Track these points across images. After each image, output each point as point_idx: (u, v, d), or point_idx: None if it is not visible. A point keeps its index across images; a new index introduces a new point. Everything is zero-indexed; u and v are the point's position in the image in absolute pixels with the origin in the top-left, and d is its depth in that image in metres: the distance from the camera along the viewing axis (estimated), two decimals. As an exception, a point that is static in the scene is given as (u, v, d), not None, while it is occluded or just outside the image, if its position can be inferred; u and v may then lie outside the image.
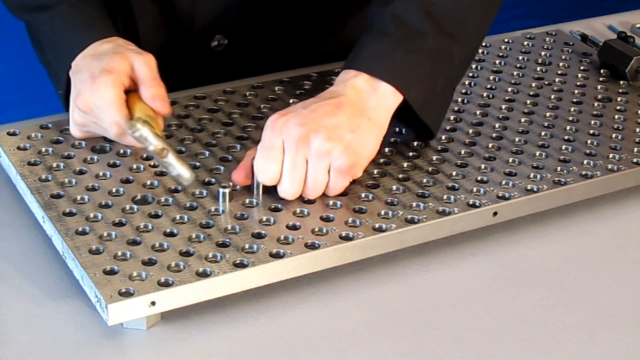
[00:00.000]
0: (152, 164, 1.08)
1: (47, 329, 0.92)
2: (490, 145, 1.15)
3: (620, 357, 0.93)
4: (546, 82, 1.30)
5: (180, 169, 0.99)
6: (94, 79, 1.06)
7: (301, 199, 1.03)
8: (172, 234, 0.97)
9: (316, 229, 0.99)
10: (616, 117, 1.22)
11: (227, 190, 1.02)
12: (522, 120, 1.20)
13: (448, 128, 1.18)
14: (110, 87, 1.05)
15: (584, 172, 1.10)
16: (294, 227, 0.99)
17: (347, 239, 0.98)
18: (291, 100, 1.22)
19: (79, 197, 1.02)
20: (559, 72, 1.33)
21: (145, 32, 1.26)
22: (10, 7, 1.22)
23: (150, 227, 0.98)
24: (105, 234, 0.97)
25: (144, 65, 1.08)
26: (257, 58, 1.32)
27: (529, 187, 1.07)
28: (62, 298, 0.95)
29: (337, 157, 1.01)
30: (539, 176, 1.09)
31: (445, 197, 1.05)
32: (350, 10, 1.38)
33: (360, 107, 1.04)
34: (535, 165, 1.11)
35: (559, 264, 1.04)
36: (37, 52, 1.34)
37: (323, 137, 1.00)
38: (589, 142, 1.16)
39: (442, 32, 1.07)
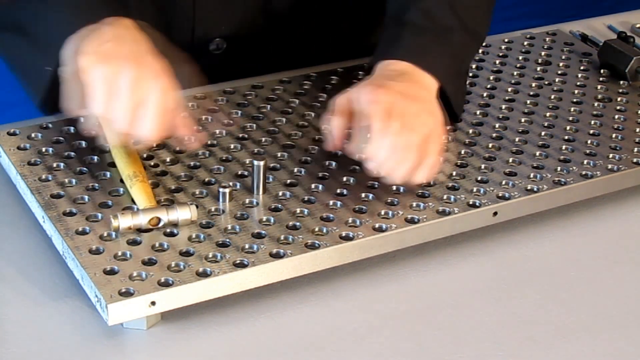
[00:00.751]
0: (152, 164, 1.08)
1: (47, 329, 0.92)
2: (490, 145, 1.15)
3: (620, 357, 0.93)
4: (546, 82, 1.30)
5: (178, 214, 0.98)
6: (139, 59, 0.98)
7: (301, 199, 1.03)
8: (172, 234, 0.97)
9: (316, 229, 0.99)
10: (616, 117, 1.22)
11: (227, 190, 1.02)
12: (522, 120, 1.20)
13: (448, 128, 1.18)
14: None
15: (584, 172, 1.10)
16: (294, 227, 0.99)
17: (347, 239, 0.98)
18: (291, 100, 1.22)
19: (79, 197, 1.02)
20: (559, 72, 1.33)
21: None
22: None
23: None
24: (105, 234, 0.97)
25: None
26: (256, 60, 1.32)
27: (529, 187, 1.07)
28: (62, 298, 0.95)
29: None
30: (539, 176, 1.09)
31: (445, 197, 1.05)
32: (349, 12, 1.38)
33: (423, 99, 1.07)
34: (535, 165, 1.11)
35: (559, 264, 1.04)
36: (7, 60, 1.28)
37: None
38: (589, 142, 1.16)
39: (465, 28, 1.13)
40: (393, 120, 1.01)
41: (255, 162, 1.03)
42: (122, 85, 0.97)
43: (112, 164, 1.07)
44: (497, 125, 1.19)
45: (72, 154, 1.10)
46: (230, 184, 1.05)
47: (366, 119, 1.01)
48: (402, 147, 1.01)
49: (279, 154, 1.11)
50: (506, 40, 1.41)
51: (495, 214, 1.04)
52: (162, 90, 0.98)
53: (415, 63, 1.08)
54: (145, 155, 1.09)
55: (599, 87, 1.30)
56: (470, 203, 1.04)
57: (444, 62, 1.11)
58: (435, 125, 1.04)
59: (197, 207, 0.99)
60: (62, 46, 1.02)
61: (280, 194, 1.04)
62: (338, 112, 1.05)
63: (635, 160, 1.13)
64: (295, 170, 1.08)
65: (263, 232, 0.98)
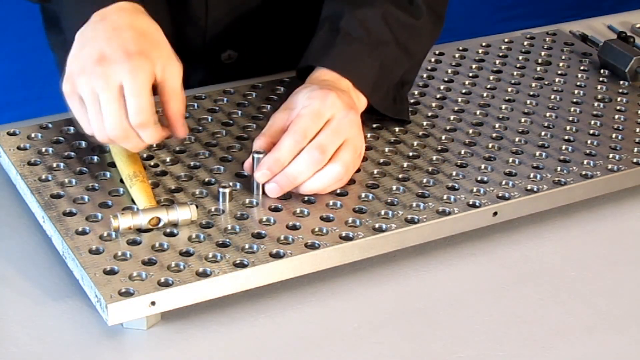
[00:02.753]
0: (152, 164, 1.08)
1: (47, 329, 0.92)
2: (490, 145, 1.15)
3: (620, 357, 0.93)
4: (546, 82, 1.30)
5: (178, 214, 0.98)
6: (131, 55, 0.97)
7: (301, 199, 1.03)
8: (172, 234, 0.97)
9: (316, 229, 0.99)
10: (616, 117, 1.22)
11: (227, 190, 1.02)
12: (522, 120, 1.20)
13: (448, 128, 1.18)
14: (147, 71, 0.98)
15: (584, 172, 1.10)
16: (294, 227, 0.99)
17: (347, 239, 0.98)
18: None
19: (79, 197, 1.02)
20: (559, 72, 1.33)
21: None
22: None
23: (150, 227, 0.98)
24: (105, 234, 0.97)
25: (178, 77, 1.01)
26: (267, 70, 1.32)
27: (529, 187, 1.07)
28: (62, 298, 0.95)
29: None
30: (539, 176, 1.09)
31: (445, 197, 1.05)
32: None
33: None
34: (535, 165, 1.11)
35: (559, 264, 1.04)
36: (50, 33, 1.27)
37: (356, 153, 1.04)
38: (589, 142, 1.16)
39: (397, 43, 1.14)
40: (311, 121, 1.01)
41: (256, 156, 1.02)
42: (96, 102, 0.97)
43: (112, 164, 1.07)
44: (497, 125, 1.19)
45: (72, 154, 1.10)
46: (230, 184, 1.05)
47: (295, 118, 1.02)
48: (312, 147, 1.00)
49: (279, 154, 1.11)
50: (506, 40, 1.41)
51: (495, 214, 1.04)
52: (133, 75, 0.96)
53: (345, 74, 1.09)
54: (145, 155, 1.09)
55: (599, 87, 1.30)
56: (470, 203, 1.04)
57: (372, 74, 1.12)
58: (353, 136, 1.03)
59: (197, 207, 0.99)
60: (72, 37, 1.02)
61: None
62: (268, 132, 1.04)
63: (635, 160, 1.13)
64: (295, 170, 1.08)
65: (263, 232, 0.98)
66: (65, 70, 1.00)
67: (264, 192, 1.03)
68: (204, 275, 0.92)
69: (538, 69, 1.34)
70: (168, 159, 1.09)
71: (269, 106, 1.21)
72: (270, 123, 1.05)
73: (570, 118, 1.21)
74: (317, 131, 1.01)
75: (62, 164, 1.08)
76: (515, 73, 1.32)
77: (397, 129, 1.16)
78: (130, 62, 0.96)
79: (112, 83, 0.96)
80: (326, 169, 1.01)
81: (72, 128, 1.14)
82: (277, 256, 0.95)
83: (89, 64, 0.97)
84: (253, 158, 1.02)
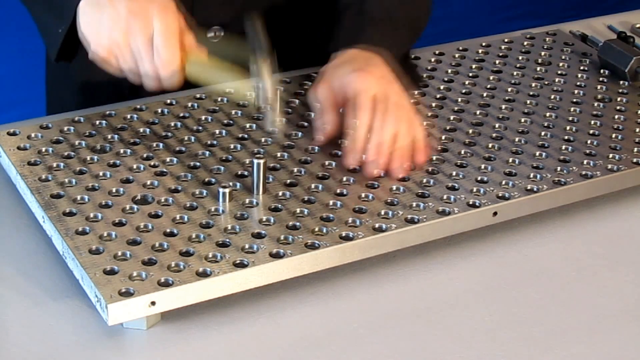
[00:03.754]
0: (152, 164, 1.08)
1: (47, 329, 0.92)
2: (490, 145, 1.15)
3: (620, 357, 0.93)
4: (546, 82, 1.30)
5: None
6: (160, 5, 1.05)
7: (301, 199, 1.03)
8: (172, 234, 0.98)
9: (316, 229, 0.99)
10: (616, 117, 1.22)
11: (227, 190, 1.02)
12: (522, 120, 1.20)
13: (448, 128, 1.18)
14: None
15: (584, 172, 1.10)
16: (294, 227, 0.99)
17: (347, 239, 0.98)
18: (291, 100, 1.22)
19: (79, 197, 1.02)
20: (559, 72, 1.33)
21: None
22: None
23: (150, 227, 0.98)
24: (105, 234, 0.97)
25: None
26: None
27: (529, 187, 1.07)
28: (62, 298, 0.95)
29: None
30: (539, 176, 1.09)
31: (445, 197, 1.05)
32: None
33: None
34: (535, 165, 1.11)
35: (559, 264, 1.04)
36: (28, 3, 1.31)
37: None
38: (589, 142, 1.16)
39: (411, 22, 1.26)
40: (380, 105, 1.09)
41: (255, 161, 1.03)
42: (127, 46, 1.05)
43: (113, 164, 1.07)
44: (497, 125, 1.19)
45: (72, 154, 1.10)
46: (230, 184, 1.05)
47: (358, 108, 1.08)
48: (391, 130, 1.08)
49: (279, 154, 1.11)
50: (506, 40, 1.41)
51: (495, 214, 1.04)
52: (163, 17, 1.04)
53: (379, 51, 1.17)
54: (145, 155, 1.09)
55: (599, 87, 1.30)
56: (470, 203, 1.04)
57: (396, 51, 1.21)
58: (408, 102, 1.13)
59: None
60: (72, 7, 1.08)
61: (280, 194, 1.04)
62: (326, 106, 1.11)
63: (635, 160, 1.13)
64: (295, 170, 1.08)
65: (263, 232, 0.98)
66: (91, 34, 1.06)
67: (264, 192, 1.04)
68: (204, 275, 0.92)
69: (538, 69, 1.34)
70: (168, 159, 1.09)
71: (269, 106, 1.20)
72: (321, 99, 1.12)
73: (570, 118, 1.21)
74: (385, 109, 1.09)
75: (62, 164, 1.08)
76: (515, 73, 1.32)
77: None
78: (163, 12, 1.05)
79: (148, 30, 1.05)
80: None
81: (72, 128, 1.14)
82: (277, 256, 0.95)
83: (131, 20, 1.04)
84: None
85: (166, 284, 0.91)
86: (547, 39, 1.43)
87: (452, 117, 1.20)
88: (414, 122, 1.11)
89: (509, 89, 1.28)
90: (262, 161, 1.03)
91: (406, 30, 1.25)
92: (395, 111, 1.09)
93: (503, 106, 1.23)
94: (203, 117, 1.18)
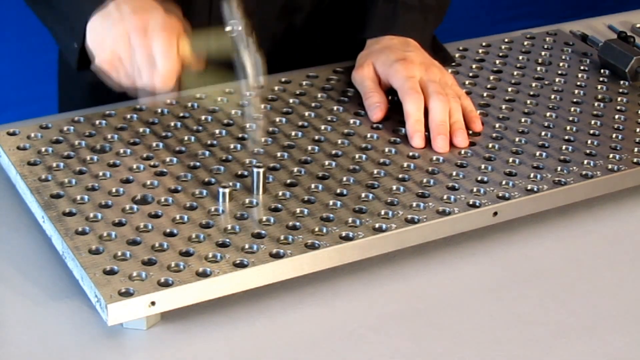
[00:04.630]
0: (152, 164, 1.08)
1: (47, 329, 0.92)
2: (490, 145, 1.15)
3: (620, 357, 0.93)
4: (546, 82, 1.30)
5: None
6: (161, 24, 1.08)
7: (301, 199, 1.03)
8: (172, 234, 0.98)
9: (316, 229, 0.99)
10: (616, 117, 1.22)
11: (227, 190, 1.02)
12: (522, 120, 1.20)
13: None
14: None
15: (584, 172, 1.10)
16: (294, 227, 0.99)
17: (347, 239, 0.98)
18: (291, 100, 1.22)
19: (79, 197, 1.02)
20: (559, 72, 1.33)
21: None
22: None
23: (150, 227, 0.98)
24: (105, 234, 0.97)
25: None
26: (270, 46, 1.34)
27: (529, 187, 1.07)
28: (62, 298, 0.95)
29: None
30: (539, 176, 1.09)
31: (445, 197, 1.05)
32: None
33: None
34: (535, 165, 1.11)
35: (559, 264, 1.04)
36: (37, 9, 1.33)
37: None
38: (589, 142, 1.16)
39: (440, 6, 1.34)
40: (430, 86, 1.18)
41: (255, 170, 1.03)
42: (130, 65, 1.09)
43: (113, 165, 1.07)
44: (497, 125, 1.19)
45: (72, 154, 1.10)
46: (230, 184, 1.05)
47: (410, 94, 1.16)
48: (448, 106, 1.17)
49: (279, 154, 1.11)
50: (506, 40, 1.41)
51: (495, 214, 1.04)
52: (163, 33, 1.08)
53: (413, 37, 1.26)
54: (145, 155, 1.09)
55: (599, 87, 1.30)
56: (470, 203, 1.04)
57: (428, 35, 1.31)
58: (450, 78, 1.22)
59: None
60: (83, 25, 1.11)
61: (280, 194, 1.04)
62: (374, 88, 1.21)
63: (635, 160, 1.13)
64: (295, 170, 1.08)
65: (263, 232, 0.98)
66: (96, 49, 1.10)
67: (264, 192, 1.04)
68: (204, 275, 0.92)
69: (538, 69, 1.33)
70: (168, 159, 1.09)
71: (268, 106, 1.21)
72: (367, 83, 1.22)
73: (570, 118, 1.21)
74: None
75: (62, 164, 1.08)
76: (515, 73, 1.32)
77: (397, 128, 1.16)
78: (163, 30, 1.09)
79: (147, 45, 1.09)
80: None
81: (72, 128, 1.14)
82: (277, 256, 0.95)
83: (133, 37, 1.08)
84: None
85: (166, 284, 0.91)
86: (547, 39, 1.43)
87: (452, 117, 1.20)
88: (461, 95, 1.19)
89: (509, 89, 1.28)
90: (261, 170, 1.03)
91: (435, 13, 1.33)
92: (442, 89, 1.17)
93: (503, 106, 1.23)
94: (203, 117, 1.18)
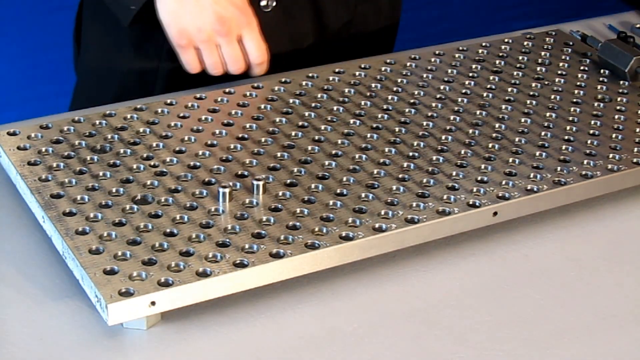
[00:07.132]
0: (152, 164, 1.08)
1: (47, 329, 0.92)
2: (490, 145, 1.15)
3: (620, 357, 0.93)
4: (546, 82, 1.30)
5: None
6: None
7: (301, 199, 1.03)
8: (172, 234, 0.98)
9: (316, 229, 0.99)
10: (616, 117, 1.22)
11: (227, 190, 1.02)
12: (522, 120, 1.20)
13: (448, 128, 1.18)
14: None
15: (584, 172, 1.10)
16: (294, 227, 0.99)
17: (347, 239, 0.98)
18: (291, 100, 1.22)
19: (79, 197, 1.02)
20: (559, 72, 1.33)
21: None
22: None
23: (150, 227, 0.98)
24: (105, 234, 0.97)
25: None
26: (300, 24, 1.39)
27: (529, 187, 1.07)
28: (62, 298, 0.95)
29: None
30: (539, 176, 1.09)
31: (445, 197, 1.05)
32: None
33: None
34: (535, 165, 1.11)
35: (559, 264, 1.04)
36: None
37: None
38: (589, 142, 1.16)
39: None
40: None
41: (255, 182, 1.03)
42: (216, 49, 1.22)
43: (113, 164, 1.07)
44: (497, 125, 1.19)
45: (72, 154, 1.10)
46: (230, 184, 1.05)
47: None
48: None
49: (279, 154, 1.11)
50: (506, 40, 1.41)
51: (495, 214, 1.04)
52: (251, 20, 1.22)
53: None
54: (145, 155, 1.09)
55: (599, 87, 1.30)
56: (470, 203, 1.04)
57: None
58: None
59: None
60: None
61: (280, 194, 1.04)
62: None
63: (635, 160, 1.13)
64: (295, 170, 1.08)
65: (263, 232, 0.98)
66: (172, 25, 1.20)
67: (264, 192, 1.04)
68: (204, 275, 0.92)
69: (538, 69, 1.34)
70: (168, 159, 1.09)
71: (269, 106, 1.21)
72: None
73: (570, 118, 1.21)
74: None
75: (62, 164, 1.08)
76: (515, 73, 1.32)
77: (397, 129, 1.16)
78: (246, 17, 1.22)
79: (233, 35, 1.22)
80: None
81: (72, 128, 1.14)
82: (277, 256, 0.95)
83: (208, 22, 1.19)
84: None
85: (166, 284, 0.91)
86: (547, 39, 1.43)
87: (452, 117, 1.20)
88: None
89: (509, 89, 1.28)
90: (261, 183, 1.03)
91: None
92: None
93: (503, 106, 1.23)
94: (203, 117, 1.18)
